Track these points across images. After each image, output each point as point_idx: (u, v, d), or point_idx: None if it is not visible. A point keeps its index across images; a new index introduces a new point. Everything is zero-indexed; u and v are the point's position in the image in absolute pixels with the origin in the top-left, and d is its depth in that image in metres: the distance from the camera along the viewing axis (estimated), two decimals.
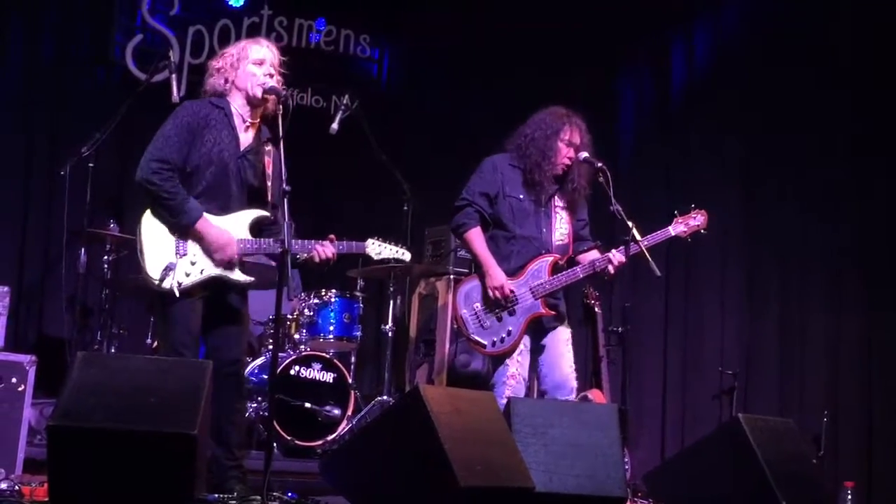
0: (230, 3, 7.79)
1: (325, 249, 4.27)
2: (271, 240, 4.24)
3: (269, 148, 4.38)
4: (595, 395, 6.28)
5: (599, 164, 4.88)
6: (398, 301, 6.71)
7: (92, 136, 5.81)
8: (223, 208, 4.23)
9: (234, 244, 4.18)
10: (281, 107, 4.21)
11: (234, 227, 4.23)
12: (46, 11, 7.17)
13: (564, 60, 7.83)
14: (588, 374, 6.47)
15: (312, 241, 4.29)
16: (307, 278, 6.77)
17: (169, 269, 4.11)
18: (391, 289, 6.60)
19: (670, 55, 7.83)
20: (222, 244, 4.16)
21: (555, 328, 4.96)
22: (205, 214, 4.15)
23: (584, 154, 4.93)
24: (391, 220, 6.33)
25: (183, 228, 4.14)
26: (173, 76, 5.77)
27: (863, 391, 6.54)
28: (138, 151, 7.28)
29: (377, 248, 4.48)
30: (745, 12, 7.43)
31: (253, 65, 4.27)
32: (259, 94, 4.26)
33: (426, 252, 7.10)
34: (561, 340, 4.96)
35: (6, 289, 4.88)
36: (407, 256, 4.62)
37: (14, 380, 4.54)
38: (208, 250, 4.16)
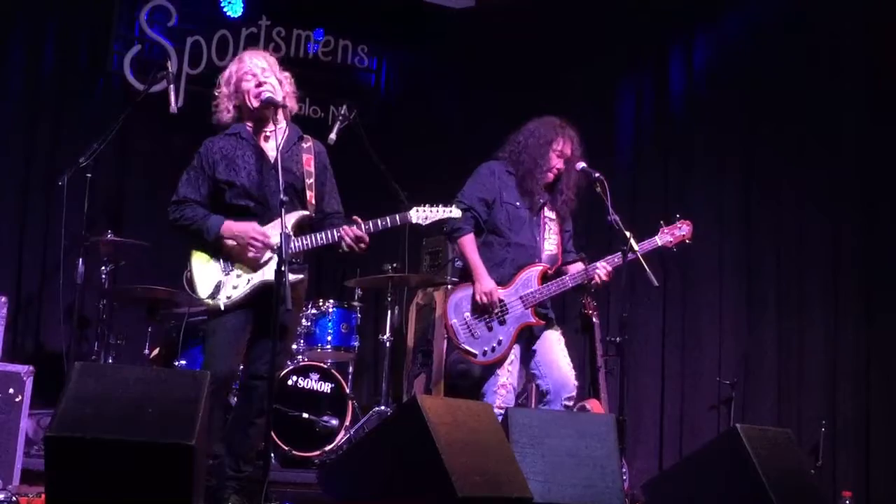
0: (228, 13, 7.80)
1: (351, 231, 4.25)
2: (325, 232, 4.26)
3: (306, 145, 4.41)
4: (593, 404, 6.27)
5: (597, 175, 4.88)
6: (396, 311, 6.71)
7: (90, 147, 5.81)
8: (270, 220, 4.24)
9: (265, 233, 4.18)
10: (280, 117, 4.26)
11: (273, 233, 4.20)
12: (47, 21, 7.17)
13: (564, 68, 7.83)
14: (586, 385, 6.45)
15: (337, 229, 4.28)
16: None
17: (218, 287, 4.20)
18: (389, 299, 6.60)
19: (669, 62, 7.83)
20: (251, 236, 4.18)
21: (542, 333, 4.98)
22: (226, 220, 4.20)
23: (582, 164, 4.95)
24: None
25: (217, 244, 4.21)
26: (171, 87, 5.77)
27: (860, 401, 6.53)
28: (136, 161, 7.29)
29: (423, 215, 4.36)
30: (746, 20, 7.43)
31: (245, 82, 4.29)
32: (256, 104, 4.28)
33: (424, 262, 7.10)
34: (553, 341, 4.97)
35: (4, 299, 4.88)
36: (458, 213, 4.48)
37: (11, 390, 4.54)
38: (243, 252, 4.18)
